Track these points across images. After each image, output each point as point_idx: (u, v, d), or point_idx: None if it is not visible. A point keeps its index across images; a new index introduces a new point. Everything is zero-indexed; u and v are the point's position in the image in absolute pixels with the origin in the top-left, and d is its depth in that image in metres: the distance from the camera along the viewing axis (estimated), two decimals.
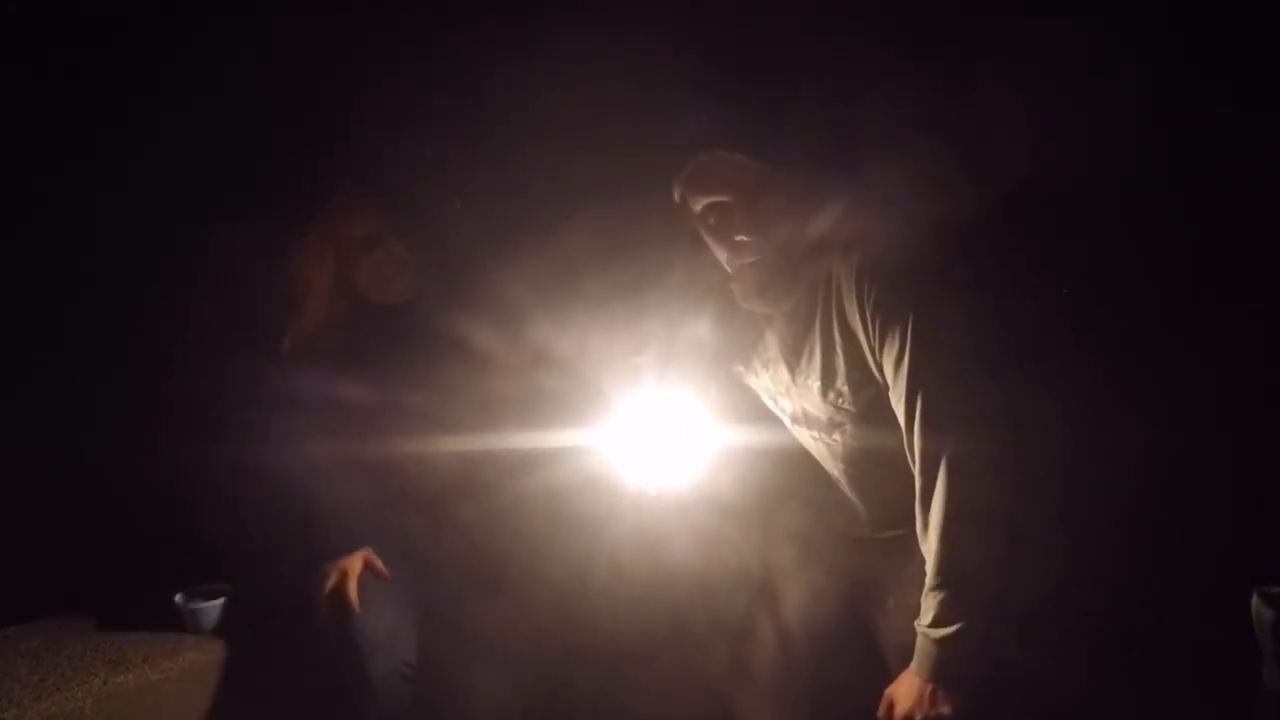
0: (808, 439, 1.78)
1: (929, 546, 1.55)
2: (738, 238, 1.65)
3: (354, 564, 1.91)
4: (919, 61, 1.96)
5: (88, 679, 1.80)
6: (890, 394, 1.60)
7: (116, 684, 1.82)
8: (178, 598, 2.03)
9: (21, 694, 1.74)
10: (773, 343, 1.76)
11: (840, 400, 1.67)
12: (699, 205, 1.67)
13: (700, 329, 1.81)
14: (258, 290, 2.00)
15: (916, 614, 1.58)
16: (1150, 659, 1.78)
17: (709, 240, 1.71)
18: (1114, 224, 1.94)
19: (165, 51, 2.18)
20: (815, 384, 1.68)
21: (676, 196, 1.71)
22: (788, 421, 1.80)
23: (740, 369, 1.83)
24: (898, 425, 1.59)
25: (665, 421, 1.80)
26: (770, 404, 1.82)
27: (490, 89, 2.14)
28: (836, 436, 1.72)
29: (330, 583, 1.88)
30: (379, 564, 1.93)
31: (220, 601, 2.03)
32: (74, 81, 2.17)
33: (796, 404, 1.75)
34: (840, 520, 1.83)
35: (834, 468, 1.77)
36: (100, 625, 2.04)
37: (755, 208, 1.63)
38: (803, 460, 1.83)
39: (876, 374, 1.62)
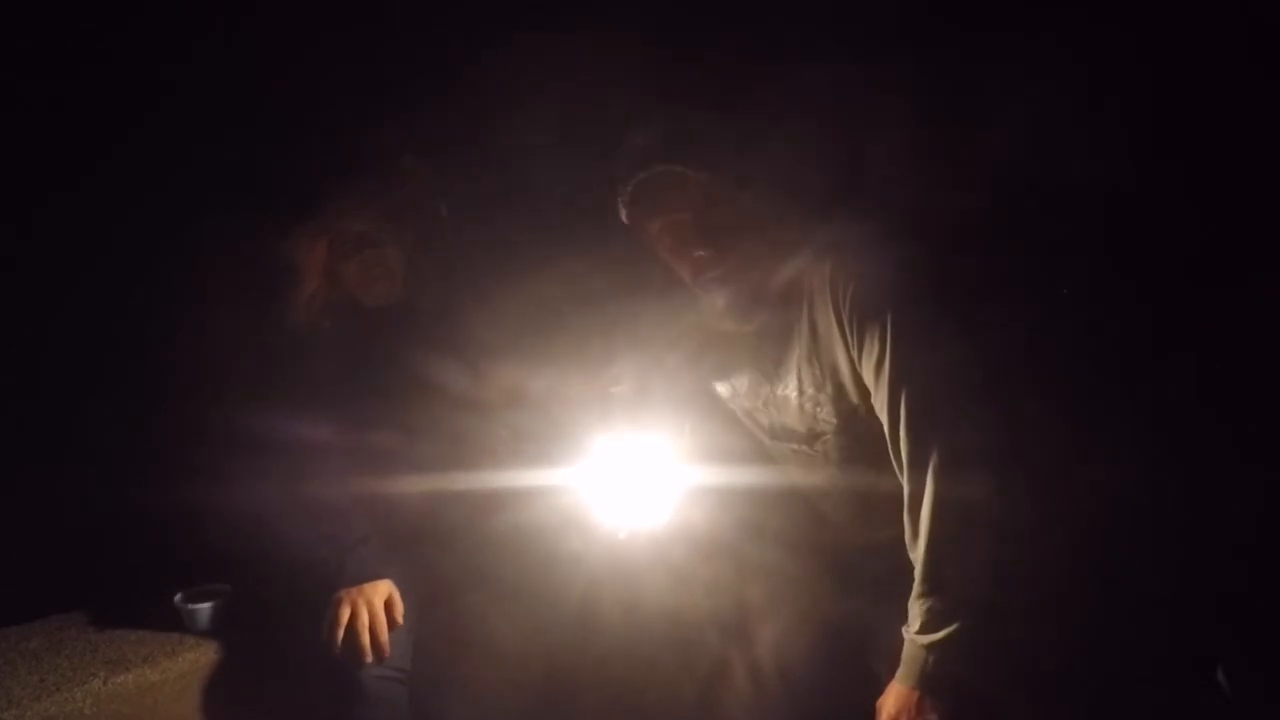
0: (787, 453, 1.77)
1: (917, 553, 1.55)
2: (697, 253, 1.61)
3: (378, 595, 1.84)
4: (910, 60, 1.97)
5: (88, 679, 1.81)
6: (873, 398, 1.58)
7: (116, 684, 1.83)
8: (177, 598, 2.03)
9: (21, 694, 1.75)
10: (747, 359, 1.74)
11: (819, 410, 1.66)
12: (653, 226, 1.64)
13: (674, 359, 1.79)
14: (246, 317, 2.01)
15: (903, 621, 1.58)
16: (1136, 670, 1.79)
17: (669, 260, 1.68)
18: (1113, 227, 1.94)
19: (166, 57, 2.19)
20: (792, 396, 1.67)
21: (625, 218, 1.67)
22: (766, 439, 1.78)
23: (716, 390, 1.81)
24: (880, 431, 1.58)
25: (638, 460, 1.78)
26: (746, 421, 1.80)
27: (474, 103, 2.15)
28: (819, 448, 1.70)
29: (346, 615, 1.81)
30: (399, 605, 1.86)
31: (219, 601, 2.03)
32: (74, 91, 2.18)
33: (775, 419, 1.73)
34: (824, 535, 1.80)
35: (818, 479, 1.74)
36: (100, 625, 2.05)
37: (711, 222, 1.59)
38: (776, 497, 1.80)
39: (852, 383, 1.60)
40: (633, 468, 1.78)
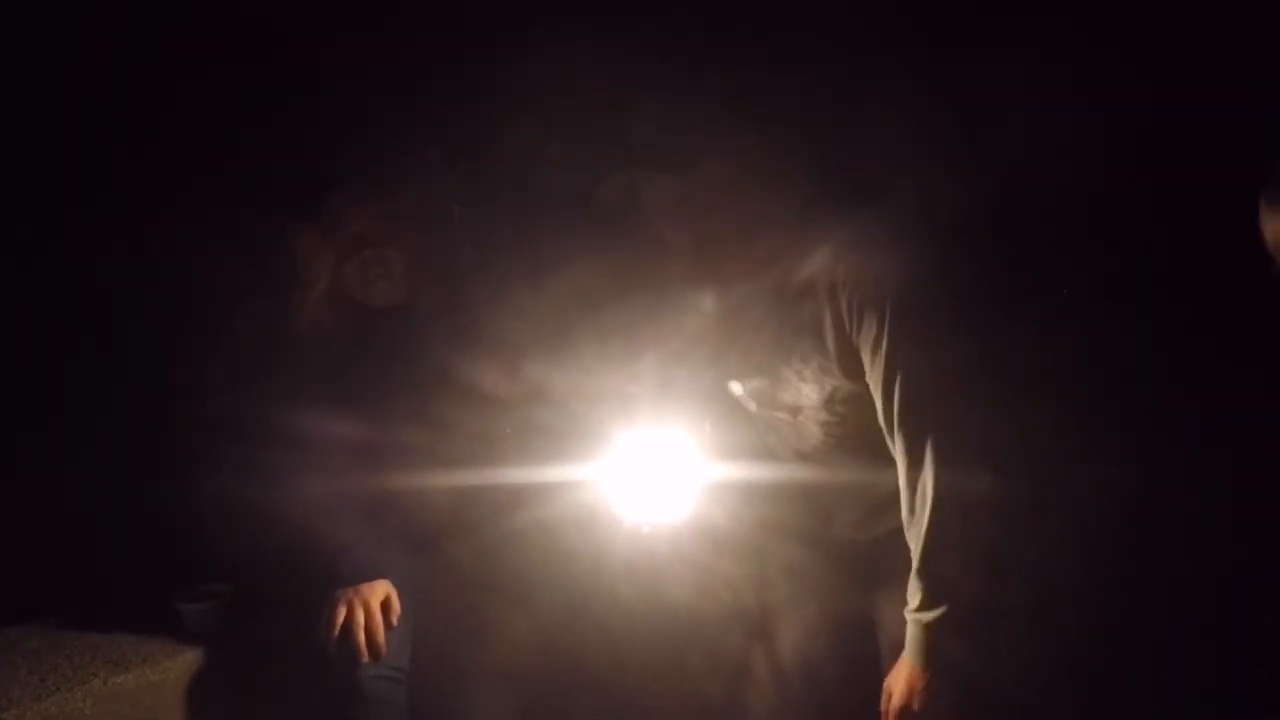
0: (774, 422, 1.76)
1: (914, 531, 1.55)
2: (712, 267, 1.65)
3: (374, 595, 1.84)
4: (914, 64, 1.98)
5: (88, 679, 1.81)
6: (868, 376, 1.58)
7: (116, 684, 1.82)
8: (177, 598, 2.03)
9: (21, 694, 1.75)
10: (758, 356, 1.72)
11: (820, 382, 1.65)
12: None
13: (697, 356, 1.78)
14: (257, 316, 2.01)
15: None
16: (1135, 658, 1.79)
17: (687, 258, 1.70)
18: (1112, 227, 1.94)
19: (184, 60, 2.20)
20: (792, 376, 1.67)
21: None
22: (753, 405, 1.78)
23: (730, 390, 1.80)
24: (871, 409, 1.59)
25: (660, 456, 1.78)
26: (737, 388, 1.80)
27: (488, 104, 2.16)
28: (802, 419, 1.70)
29: (342, 614, 1.81)
30: (396, 604, 1.86)
31: (219, 601, 2.03)
32: (91, 89, 2.20)
33: (766, 391, 1.73)
34: (831, 530, 1.80)
35: (820, 474, 1.74)
36: (100, 625, 2.04)
37: (720, 247, 1.63)
38: (798, 494, 1.80)
39: (854, 373, 1.60)
40: (654, 463, 1.78)
